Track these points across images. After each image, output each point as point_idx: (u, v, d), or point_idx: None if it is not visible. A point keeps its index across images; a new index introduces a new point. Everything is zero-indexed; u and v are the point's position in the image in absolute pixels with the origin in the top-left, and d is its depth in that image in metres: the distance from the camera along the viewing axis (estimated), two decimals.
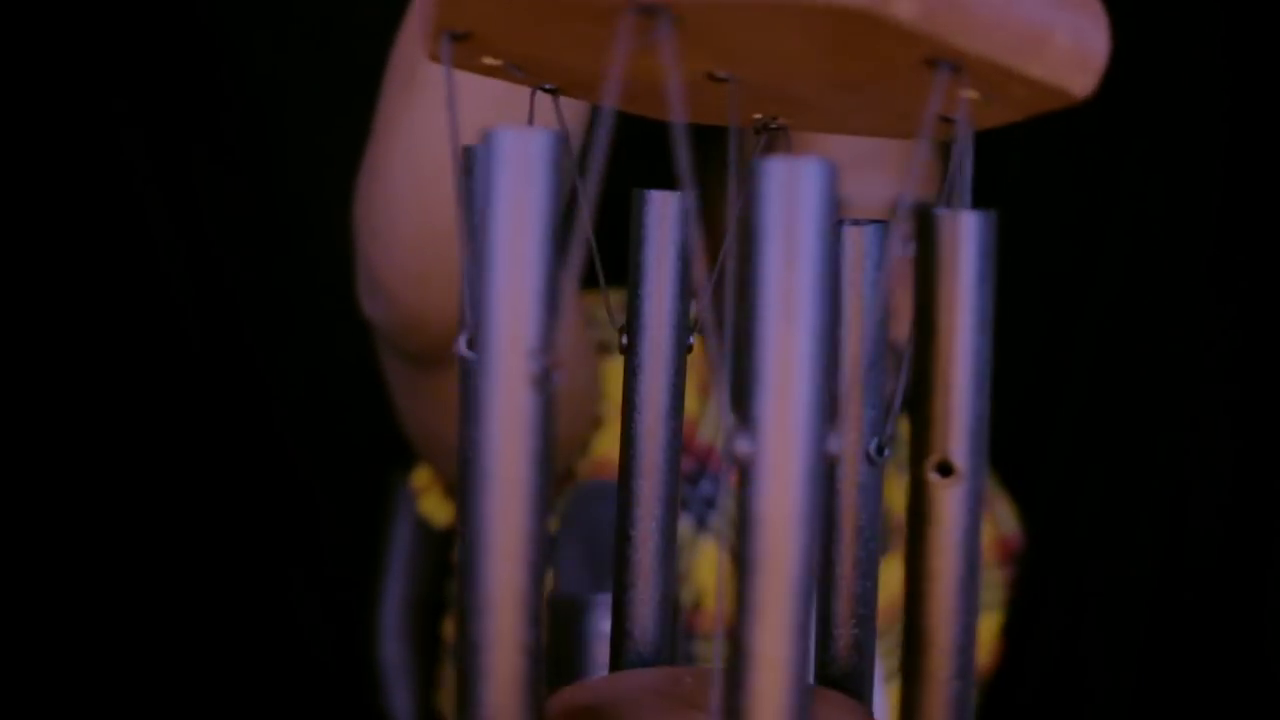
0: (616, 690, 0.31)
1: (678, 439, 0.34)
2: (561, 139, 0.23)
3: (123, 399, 1.08)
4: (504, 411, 0.23)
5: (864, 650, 0.32)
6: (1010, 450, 1.09)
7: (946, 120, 0.29)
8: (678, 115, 0.23)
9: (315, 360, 1.11)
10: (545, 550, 0.24)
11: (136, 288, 1.07)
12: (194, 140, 1.09)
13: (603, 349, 0.84)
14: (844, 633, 0.32)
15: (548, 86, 0.30)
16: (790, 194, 0.22)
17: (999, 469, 1.05)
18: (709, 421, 0.90)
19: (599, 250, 0.35)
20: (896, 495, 0.97)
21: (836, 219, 0.22)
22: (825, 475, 0.23)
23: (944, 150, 0.93)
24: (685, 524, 0.87)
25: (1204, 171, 1.06)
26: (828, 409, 0.22)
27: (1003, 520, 1.02)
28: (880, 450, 0.29)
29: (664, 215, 0.32)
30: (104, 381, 1.07)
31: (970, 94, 0.26)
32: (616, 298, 0.89)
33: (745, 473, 0.22)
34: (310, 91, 1.08)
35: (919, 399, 0.27)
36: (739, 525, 0.22)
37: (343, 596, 1.07)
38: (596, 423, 0.84)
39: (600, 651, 0.74)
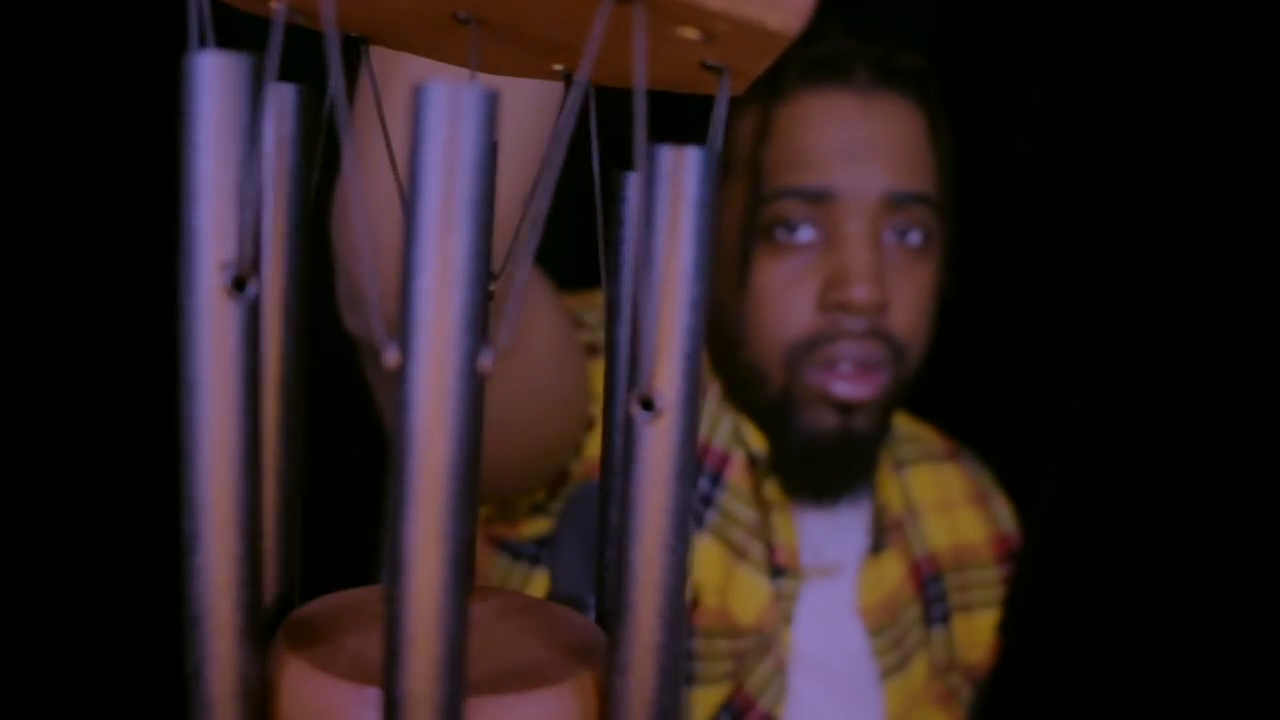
0: (357, 597, 0.31)
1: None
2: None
3: (122, 399, 1.09)
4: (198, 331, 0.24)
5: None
6: (1009, 449, 1.08)
7: (712, 69, 0.29)
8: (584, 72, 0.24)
9: (315, 360, 1.12)
10: (253, 455, 0.25)
11: (136, 288, 1.09)
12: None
13: (592, 350, 0.85)
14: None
15: (354, 35, 0.31)
16: (452, 115, 0.23)
17: (997, 467, 1.04)
18: (704, 419, 0.90)
19: (587, 251, 0.35)
20: (893, 494, 0.96)
21: (493, 140, 0.23)
22: (477, 388, 0.23)
23: (936, 140, 0.93)
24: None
25: (1206, 172, 1.05)
26: (478, 326, 0.23)
27: (1001, 519, 1.01)
28: (647, 404, 0.28)
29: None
30: (102, 380, 1.09)
31: (688, 32, 0.27)
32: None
33: (398, 382, 0.23)
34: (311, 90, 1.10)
35: (632, 334, 0.27)
36: (395, 436, 0.23)
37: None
38: (589, 424, 0.85)
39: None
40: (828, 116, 0.88)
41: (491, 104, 0.23)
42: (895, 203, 0.86)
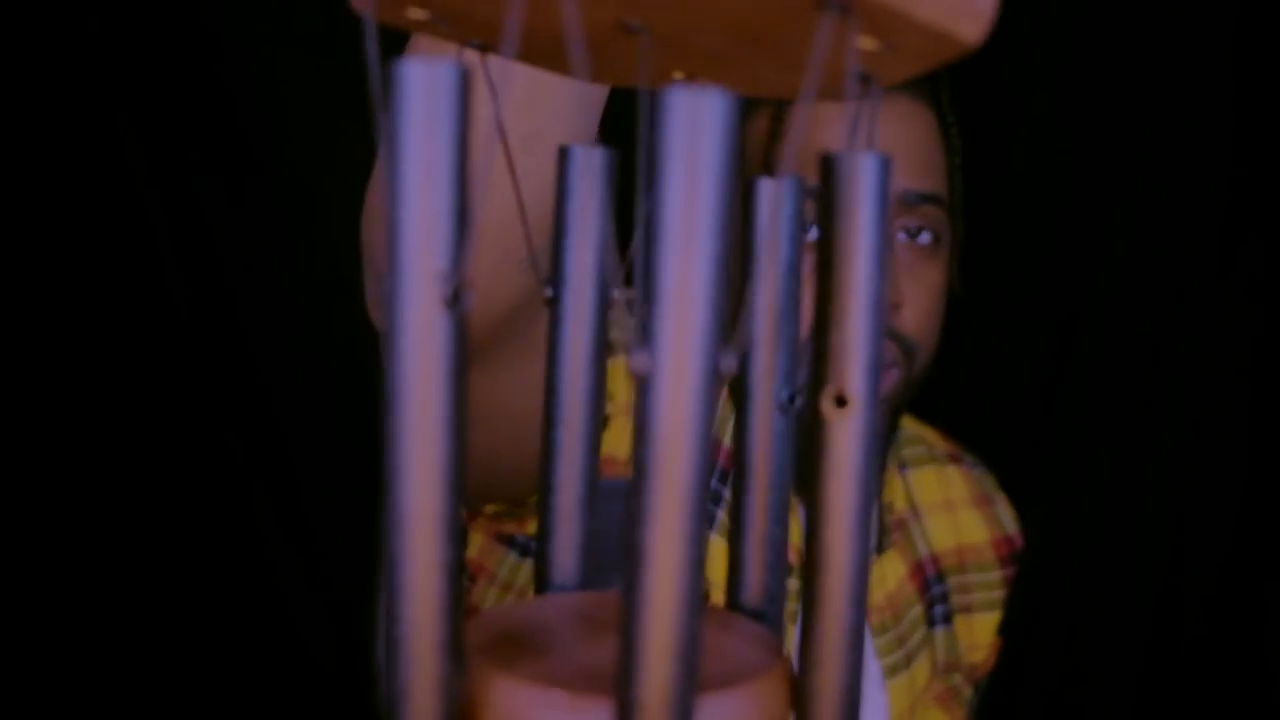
0: (538, 613, 0.31)
1: (601, 388, 0.35)
2: (463, 71, 0.24)
3: (122, 400, 1.08)
4: (418, 335, 0.24)
5: (776, 598, 0.33)
6: (1011, 451, 1.10)
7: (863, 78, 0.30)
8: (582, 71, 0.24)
9: (315, 361, 1.12)
10: (463, 470, 0.25)
11: (136, 288, 1.08)
12: (193, 140, 1.09)
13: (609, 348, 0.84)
14: (755, 577, 0.33)
15: (476, 43, 0.31)
16: (694, 121, 0.23)
17: (1000, 469, 1.05)
18: (719, 419, 0.91)
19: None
20: (897, 495, 0.97)
21: (737, 149, 0.23)
22: (716, 392, 0.23)
23: (947, 141, 0.94)
24: None
25: (1208, 172, 1.06)
26: (722, 330, 0.23)
27: (1003, 521, 1.02)
28: (791, 400, 0.29)
29: (586, 170, 0.33)
30: (103, 382, 1.08)
31: (866, 43, 0.27)
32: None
33: (644, 387, 0.23)
34: (311, 93, 1.09)
35: (819, 333, 0.28)
36: (637, 437, 0.23)
37: (341, 597, 1.08)
38: (604, 422, 0.85)
39: None
40: (839, 118, 0.89)
41: (733, 108, 0.23)
42: (906, 203, 0.87)
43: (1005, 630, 1.00)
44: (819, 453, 0.27)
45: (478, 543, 0.93)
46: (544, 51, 0.31)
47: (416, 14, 0.28)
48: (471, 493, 0.89)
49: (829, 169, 0.27)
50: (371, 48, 0.27)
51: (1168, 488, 1.05)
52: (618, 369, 0.84)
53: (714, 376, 0.23)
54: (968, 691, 0.99)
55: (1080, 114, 1.10)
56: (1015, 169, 1.11)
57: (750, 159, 0.92)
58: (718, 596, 0.87)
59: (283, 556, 1.12)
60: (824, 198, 0.27)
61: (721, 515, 0.89)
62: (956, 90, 1.15)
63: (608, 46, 0.30)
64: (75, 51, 1.04)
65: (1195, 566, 1.03)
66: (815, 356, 0.28)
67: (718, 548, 0.89)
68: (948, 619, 0.98)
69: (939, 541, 0.98)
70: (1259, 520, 1.02)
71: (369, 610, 0.97)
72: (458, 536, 0.25)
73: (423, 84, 0.23)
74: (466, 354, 0.25)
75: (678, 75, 0.31)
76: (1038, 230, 1.11)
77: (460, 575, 0.25)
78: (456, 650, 0.25)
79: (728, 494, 0.90)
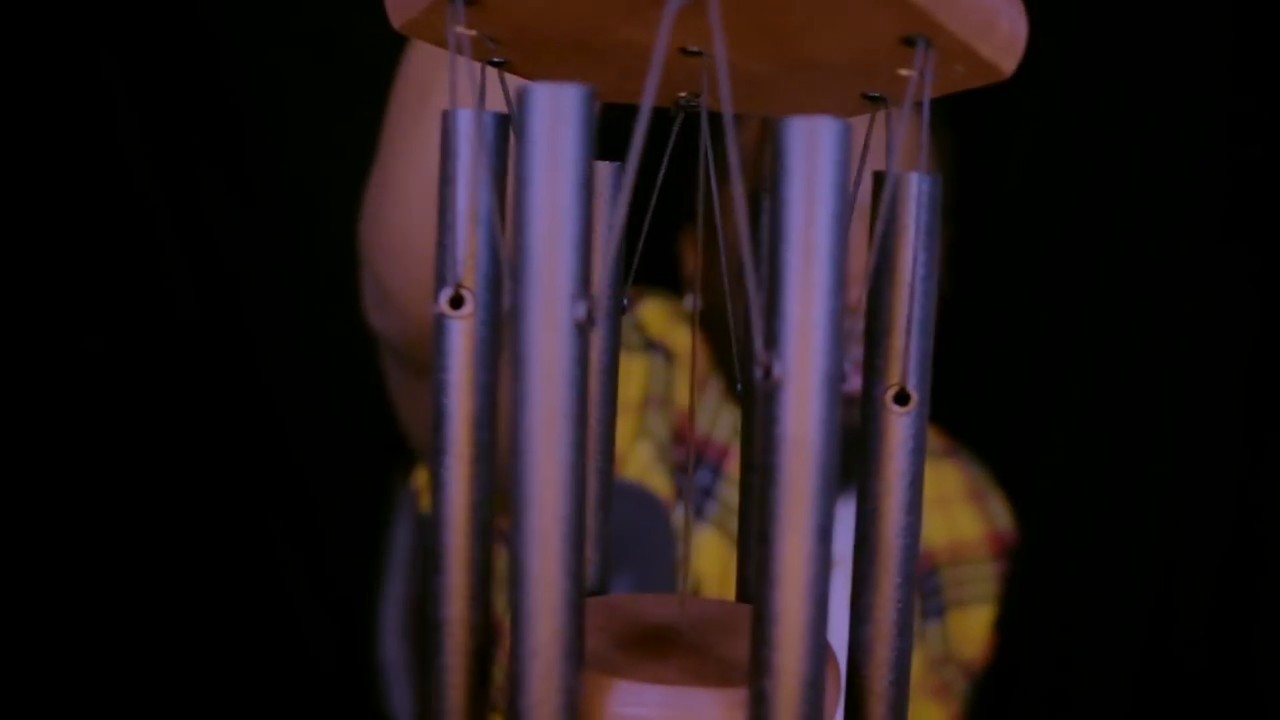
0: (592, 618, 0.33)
1: (613, 401, 0.36)
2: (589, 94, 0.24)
3: (124, 400, 1.08)
4: (548, 358, 0.24)
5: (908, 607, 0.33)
6: (1006, 446, 1.11)
7: (873, 100, 0.32)
8: (649, 90, 0.25)
9: (316, 361, 1.12)
10: (609, 499, 0.26)
11: (138, 289, 1.08)
12: (196, 141, 1.09)
13: None
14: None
15: (496, 60, 0.32)
16: (810, 148, 0.24)
17: (993, 465, 1.06)
18: (705, 413, 0.92)
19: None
20: None
21: (854, 169, 0.25)
22: (840, 396, 0.25)
23: (935, 142, 0.95)
24: (676, 521, 0.89)
25: (1205, 167, 1.07)
26: (842, 339, 0.25)
27: (996, 515, 1.03)
28: (903, 399, 0.31)
29: (604, 185, 0.34)
30: (106, 383, 1.08)
31: (907, 71, 0.29)
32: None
33: (774, 395, 0.24)
34: (313, 94, 1.09)
35: (875, 337, 0.30)
36: (766, 444, 0.25)
37: (343, 596, 1.08)
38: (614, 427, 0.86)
39: None
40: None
41: (845, 136, 0.25)
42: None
43: (1000, 625, 1.01)
44: (879, 445, 0.30)
45: None
46: (584, 68, 0.32)
47: (466, 31, 0.28)
48: None
49: (880, 186, 0.28)
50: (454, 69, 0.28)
51: (1163, 484, 1.05)
52: (625, 365, 0.85)
53: (839, 383, 0.25)
54: (962, 685, 1.01)
55: (1079, 111, 1.11)
56: (1013, 165, 1.12)
57: (742, 167, 0.93)
58: (709, 590, 0.88)
59: (286, 555, 1.12)
60: (880, 214, 0.28)
61: (715, 509, 0.91)
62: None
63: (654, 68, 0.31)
64: (75, 52, 1.04)
65: (1190, 562, 1.04)
66: (869, 358, 0.30)
67: (709, 541, 0.90)
68: (941, 613, 0.99)
69: (933, 536, 0.99)
70: (1255, 515, 1.03)
71: (372, 609, 0.98)
72: (581, 549, 0.26)
73: (550, 106, 0.24)
74: (586, 372, 0.25)
75: (680, 95, 0.33)
76: (1035, 227, 1.12)
77: (582, 585, 0.26)
78: (579, 658, 0.26)
79: (720, 488, 0.91)
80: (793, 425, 0.24)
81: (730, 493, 0.91)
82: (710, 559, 0.88)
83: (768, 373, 0.24)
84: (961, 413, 1.10)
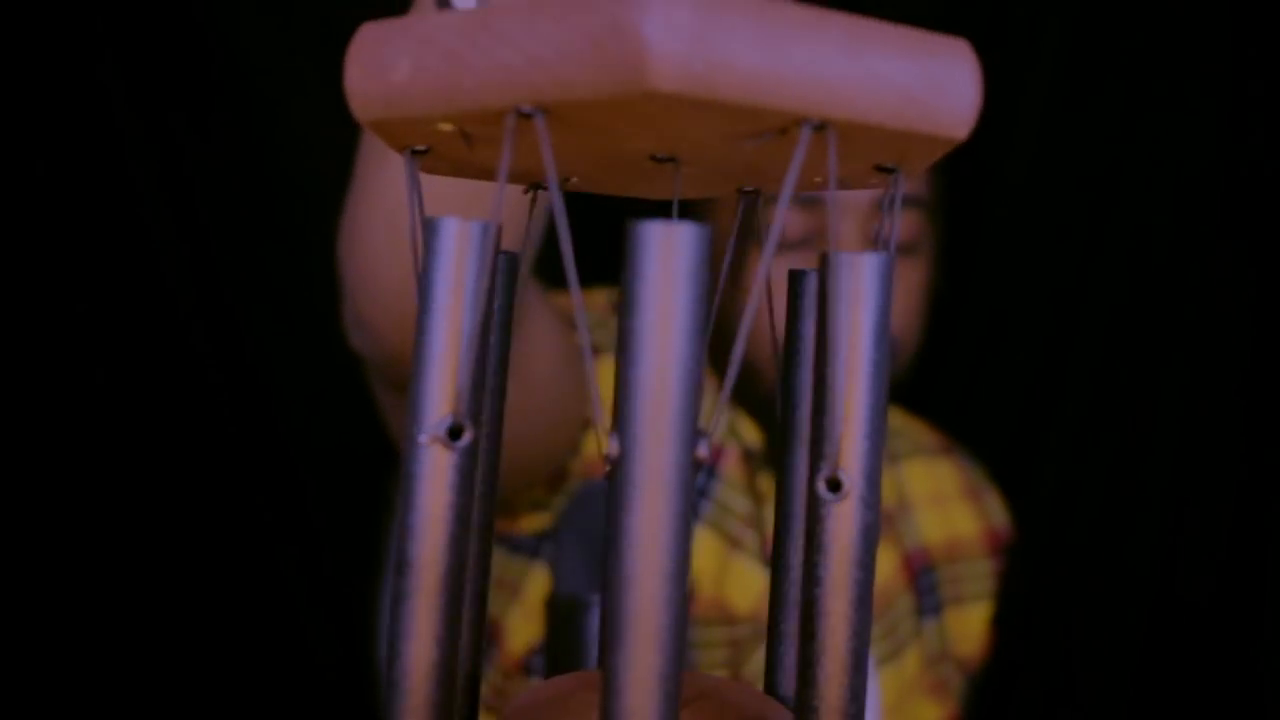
0: (561, 689, 0.32)
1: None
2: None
3: (122, 399, 1.09)
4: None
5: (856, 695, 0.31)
6: (1002, 442, 1.10)
7: (884, 170, 0.31)
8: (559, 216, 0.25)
9: (315, 361, 1.12)
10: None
11: (135, 288, 1.09)
12: (193, 141, 1.09)
13: (591, 350, 0.86)
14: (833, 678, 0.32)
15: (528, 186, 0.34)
16: (666, 251, 0.24)
17: (990, 460, 1.06)
18: (700, 413, 0.92)
19: (581, 248, 0.38)
20: (886, 487, 0.98)
21: (704, 270, 0.25)
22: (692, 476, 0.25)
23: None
24: None
25: (1206, 167, 1.06)
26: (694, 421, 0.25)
27: (993, 512, 1.03)
28: (835, 487, 0.29)
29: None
30: (104, 382, 1.08)
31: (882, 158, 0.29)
32: (601, 297, 0.91)
33: (616, 472, 0.24)
34: (314, 95, 1.09)
35: (816, 416, 0.29)
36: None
37: (342, 596, 1.09)
38: (586, 424, 0.87)
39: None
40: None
41: (700, 239, 0.24)
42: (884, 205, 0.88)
43: (998, 622, 1.01)
44: (814, 539, 0.28)
45: None
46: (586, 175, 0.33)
47: (444, 127, 0.29)
48: None
49: (833, 266, 0.28)
50: (412, 191, 0.29)
51: (1162, 480, 1.05)
52: (608, 368, 0.85)
53: (689, 462, 0.25)
54: (959, 682, 1.01)
55: (1078, 110, 1.11)
56: (1011, 162, 1.12)
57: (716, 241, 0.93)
58: (705, 589, 0.89)
59: (284, 554, 1.13)
60: (827, 294, 0.28)
61: (710, 509, 0.91)
62: None
63: (633, 169, 0.32)
64: (76, 52, 1.04)
65: (1191, 559, 1.03)
66: (814, 439, 0.29)
67: (704, 541, 0.90)
68: (937, 610, 0.99)
69: (929, 534, 0.99)
70: (1256, 513, 1.02)
71: (371, 609, 0.98)
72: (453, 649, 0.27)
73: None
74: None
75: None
76: (1034, 224, 1.11)
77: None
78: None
79: (714, 488, 0.91)
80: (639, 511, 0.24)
81: (725, 492, 0.91)
82: (706, 558, 0.89)
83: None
84: (959, 410, 1.10)
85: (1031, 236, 1.12)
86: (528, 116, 0.26)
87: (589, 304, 0.89)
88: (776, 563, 0.35)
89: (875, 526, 0.28)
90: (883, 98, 0.27)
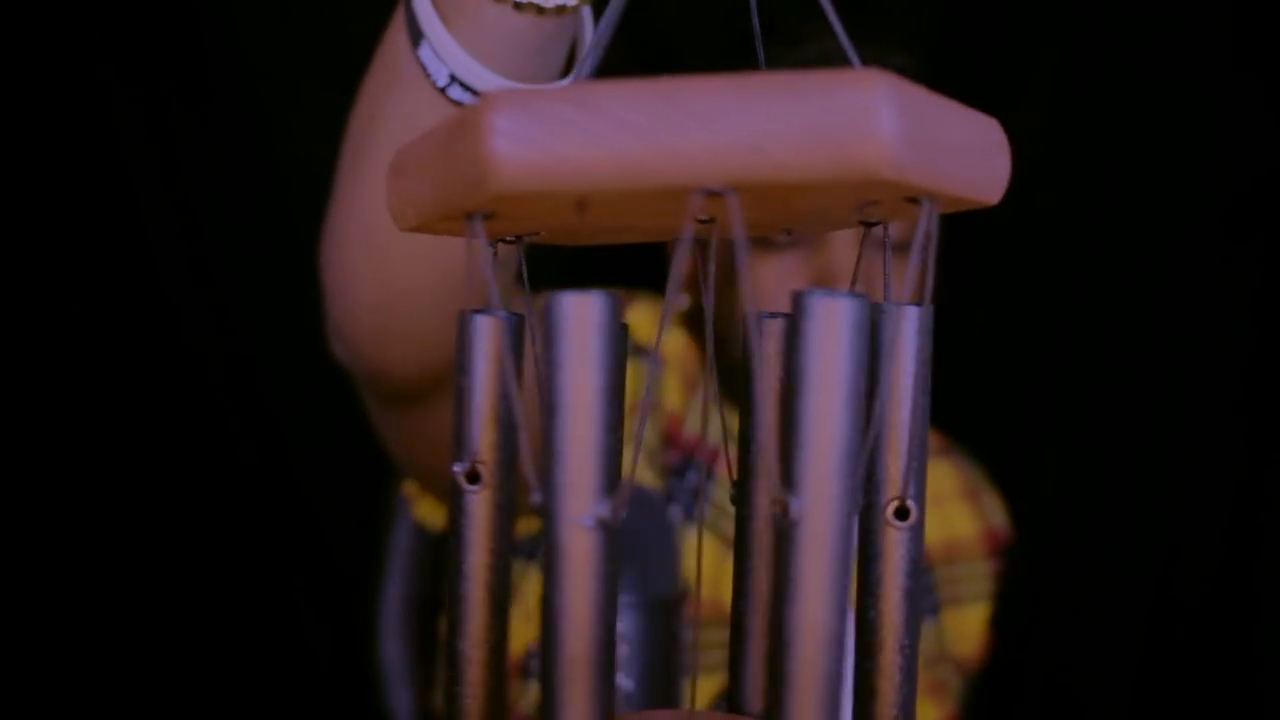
0: None
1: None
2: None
3: (124, 403, 1.09)
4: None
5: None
6: (1001, 442, 1.10)
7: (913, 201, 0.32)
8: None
9: (316, 361, 1.12)
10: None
11: (136, 292, 1.09)
12: (193, 140, 1.10)
13: None
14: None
15: (509, 239, 0.35)
16: (578, 320, 0.26)
17: (989, 461, 1.06)
18: (694, 415, 0.92)
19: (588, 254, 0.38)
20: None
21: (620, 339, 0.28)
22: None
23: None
24: (673, 515, 0.89)
25: (1206, 167, 1.07)
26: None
27: (991, 513, 1.03)
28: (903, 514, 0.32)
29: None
30: (105, 386, 1.08)
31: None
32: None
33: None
34: (313, 90, 1.09)
35: (874, 454, 0.31)
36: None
37: (343, 597, 1.09)
38: None
39: None
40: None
41: (613, 311, 0.27)
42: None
43: (998, 624, 1.01)
44: (877, 563, 0.32)
45: None
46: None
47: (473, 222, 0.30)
48: None
49: (877, 316, 0.31)
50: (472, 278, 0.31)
51: (1161, 481, 1.05)
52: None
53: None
54: (957, 683, 1.01)
55: (1078, 110, 1.11)
56: (1011, 163, 1.11)
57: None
58: (703, 591, 0.89)
59: (285, 555, 1.13)
60: (883, 348, 0.31)
61: (707, 511, 0.91)
62: (953, 88, 1.14)
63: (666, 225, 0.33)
64: (75, 51, 1.04)
65: (1190, 561, 1.04)
66: (870, 473, 0.31)
67: (703, 543, 0.90)
68: (935, 611, 0.99)
69: (927, 534, 0.99)
70: (1253, 515, 1.02)
71: (372, 609, 0.98)
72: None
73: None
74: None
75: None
76: (1033, 223, 1.12)
77: None
78: None
79: (711, 489, 0.91)
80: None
81: (721, 494, 0.91)
82: (704, 560, 0.89)
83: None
84: (958, 411, 1.10)
85: (1031, 236, 1.12)
86: (716, 194, 0.26)
87: None
88: (739, 588, 0.37)
89: (922, 551, 0.32)
90: (972, 175, 0.31)
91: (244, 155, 1.11)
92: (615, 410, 0.28)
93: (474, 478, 0.32)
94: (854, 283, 0.35)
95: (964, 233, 1.10)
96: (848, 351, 0.26)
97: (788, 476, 0.26)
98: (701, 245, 0.36)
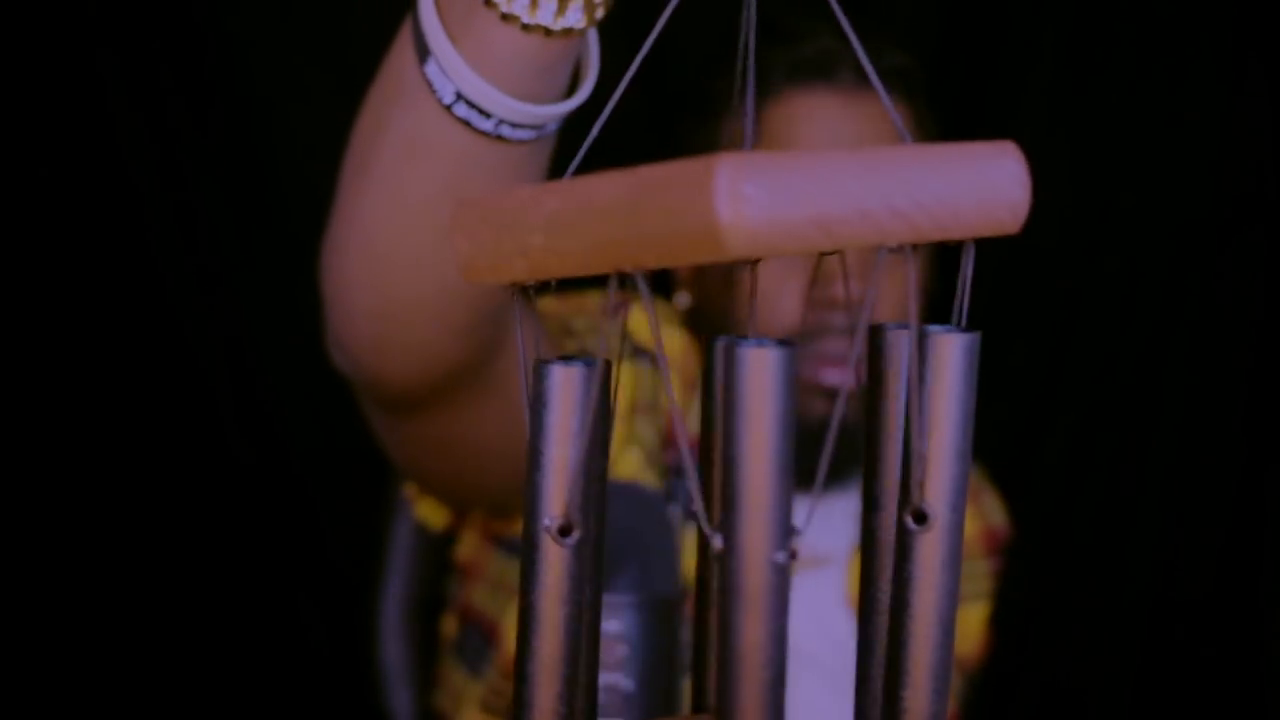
0: None
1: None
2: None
3: (123, 403, 1.09)
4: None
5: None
6: (1001, 441, 1.10)
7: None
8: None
9: (316, 361, 1.12)
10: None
11: (135, 294, 1.08)
12: (194, 144, 1.10)
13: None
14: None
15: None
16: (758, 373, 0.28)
17: (988, 460, 1.06)
18: (695, 414, 0.92)
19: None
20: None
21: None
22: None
23: (922, 137, 0.96)
24: (672, 514, 0.89)
25: (1206, 166, 1.07)
26: None
27: (990, 512, 1.03)
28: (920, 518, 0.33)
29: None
30: (105, 386, 1.08)
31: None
32: (593, 301, 0.91)
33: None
34: (313, 89, 1.10)
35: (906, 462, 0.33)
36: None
37: (343, 597, 1.09)
38: None
39: (606, 653, 0.76)
40: (813, 116, 0.91)
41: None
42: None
43: (999, 623, 1.01)
44: (901, 569, 0.32)
45: (470, 542, 0.94)
46: None
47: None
48: (459, 500, 0.90)
49: (923, 341, 0.33)
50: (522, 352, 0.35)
51: (1163, 481, 1.04)
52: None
53: None
54: (957, 682, 1.01)
55: (1078, 110, 1.11)
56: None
57: None
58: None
59: (286, 554, 1.13)
60: (918, 366, 0.33)
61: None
62: (953, 88, 1.15)
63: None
64: (74, 50, 1.04)
65: (1191, 560, 1.04)
66: (903, 477, 0.32)
67: (702, 540, 0.90)
68: None
69: None
70: (1256, 513, 1.02)
71: (372, 609, 0.98)
72: None
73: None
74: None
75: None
76: (1034, 222, 1.11)
77: None
78: None
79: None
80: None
81: None
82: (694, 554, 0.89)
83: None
84: None
85: (1031, 236, 1.12)
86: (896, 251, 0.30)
87: (580, 308, 0.89)
88: (865, 598, 0.38)
89: (959, 555, 0.32)
90: (968, 215, 0.32)
91: (245, 157, 1.12)
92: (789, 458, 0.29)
93: (566, 530, 0.33)
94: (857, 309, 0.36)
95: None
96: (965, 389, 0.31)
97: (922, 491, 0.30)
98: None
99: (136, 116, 1.05)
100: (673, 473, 0.91)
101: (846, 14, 1.04)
